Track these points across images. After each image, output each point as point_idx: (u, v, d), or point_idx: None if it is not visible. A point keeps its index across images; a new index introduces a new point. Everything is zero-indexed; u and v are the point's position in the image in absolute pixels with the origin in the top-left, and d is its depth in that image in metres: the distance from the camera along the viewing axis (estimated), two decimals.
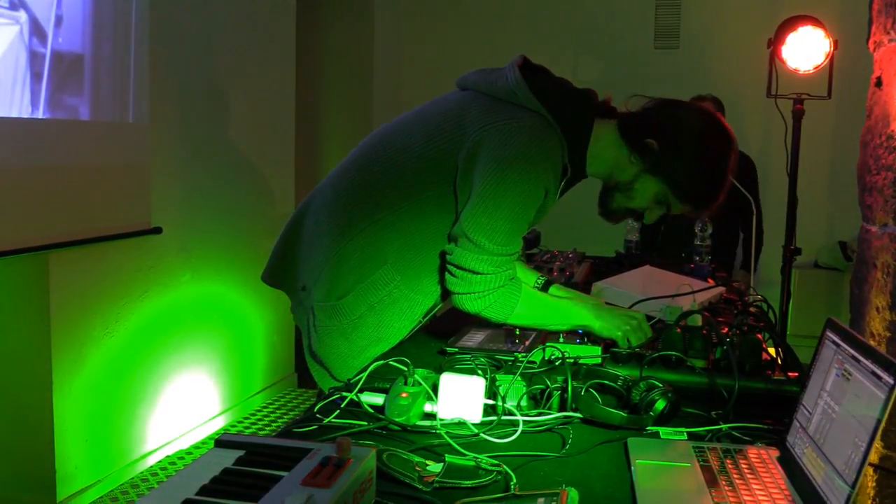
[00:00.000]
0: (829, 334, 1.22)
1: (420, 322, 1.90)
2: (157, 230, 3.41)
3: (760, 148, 5.06)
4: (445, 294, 1.84)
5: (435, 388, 1.38)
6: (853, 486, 0.97)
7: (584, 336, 1.79)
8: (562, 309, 1.83)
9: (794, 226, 3.73)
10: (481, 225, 1.67)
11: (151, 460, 3.56)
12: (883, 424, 0.98)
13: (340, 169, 1.92)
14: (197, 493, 0.93)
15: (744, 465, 1.18)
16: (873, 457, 1.79)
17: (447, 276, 1.76)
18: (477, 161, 1.69)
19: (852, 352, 1.11)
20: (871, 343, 1.88)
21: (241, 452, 1.03)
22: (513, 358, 1.66)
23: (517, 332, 1.86)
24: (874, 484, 1.81)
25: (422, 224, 1.77)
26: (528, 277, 2.08)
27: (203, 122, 3.82)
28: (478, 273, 1.70)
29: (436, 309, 1.92)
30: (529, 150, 1.67)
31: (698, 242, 3.04)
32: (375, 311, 1.80)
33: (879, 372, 1.01)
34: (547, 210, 1.81)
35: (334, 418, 1.36)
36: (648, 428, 1.36)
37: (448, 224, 1.76)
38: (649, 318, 1.88)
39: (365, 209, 1.79)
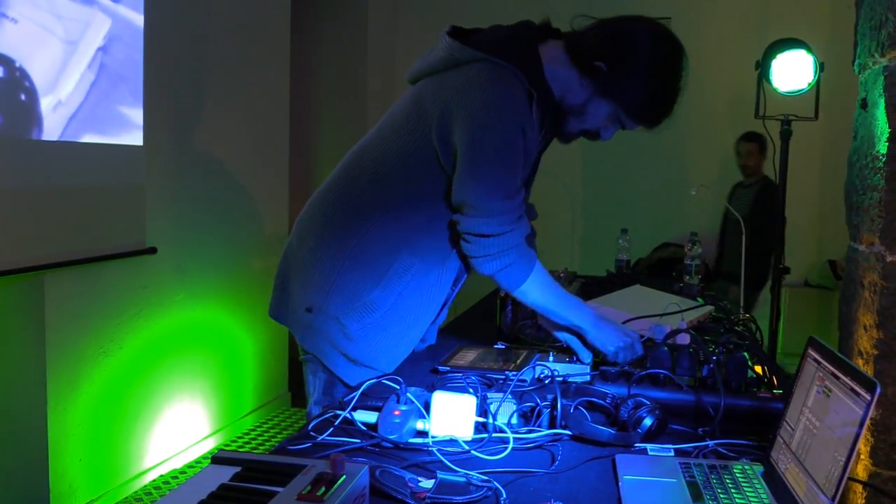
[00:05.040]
0: (811, 352, 1.25)
1: (452, 292, 1.91)
2: (152, 250, 3.43)
3: None
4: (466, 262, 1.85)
5: (427, 406, 1.40)
6: (833, 500, 1.00)
7: (573, 357, 1.82)
8: (568, 301, 1.86)
9: (782, 245, 3.77)
10: (474, 187, 1.69)
11: (146, 479, 3.56)
12: (861, 439, 1.01)
13: (324, 189, 1.91)
14: None
15: (728, 481, 1.21)
16: (863, 474, 1.81)
17: (462, 243, 1.77)
18: (451, 132, 1.70)
19: (832, 369, 1.14)
20: (860, 361, 1.91)
21: (237, 469, 1.06)
22: (503, 376, 1.68)
23: (510, 349, 1.88)
24: (864, 501, 1.83)
25: (424, 208, 1.78)
26: None
27: (197, 142, 3.85)
28: (489, 235, 1.72)
29: (464, 278, 1.92)
30: (489, 98, 1.67)
31: (688, 262, 3.07)
32: (405, 297, 1.80)
33: (857, 388, 1.04)
34: (533, 149, 1.81)
35: (328, 436, 1.38)
36: (636, 444, 1.39)
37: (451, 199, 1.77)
38: (641, 337, 1.90)
39: (360, 215, 1.79)
